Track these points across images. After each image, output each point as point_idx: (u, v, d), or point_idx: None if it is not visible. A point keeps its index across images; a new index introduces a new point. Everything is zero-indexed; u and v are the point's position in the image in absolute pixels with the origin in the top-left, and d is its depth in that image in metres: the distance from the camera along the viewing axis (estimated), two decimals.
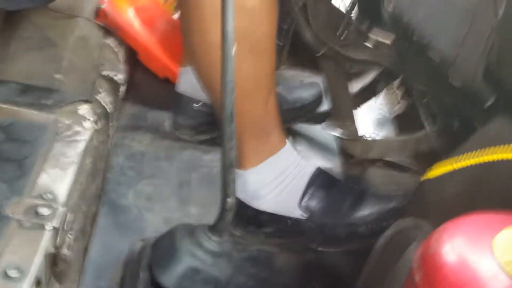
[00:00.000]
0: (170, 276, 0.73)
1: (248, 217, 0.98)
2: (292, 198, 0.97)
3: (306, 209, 0.97)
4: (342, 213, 0.97)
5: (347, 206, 0.98)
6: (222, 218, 0.73)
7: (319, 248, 1.00)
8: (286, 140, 0.97)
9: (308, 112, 1.32)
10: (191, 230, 0.76)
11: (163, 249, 0.77)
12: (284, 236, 1.01)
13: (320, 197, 0.97)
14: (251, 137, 0.92)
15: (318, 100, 1.33)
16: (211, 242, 0.74)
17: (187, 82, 1.11)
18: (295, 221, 0.97)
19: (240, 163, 0.94)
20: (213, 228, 0.74)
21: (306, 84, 1.35)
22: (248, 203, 0.97)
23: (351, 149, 1.13)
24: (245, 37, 0.77)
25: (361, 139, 1.10)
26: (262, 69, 0.84)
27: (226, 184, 0.71)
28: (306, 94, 1.31)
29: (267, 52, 0.83)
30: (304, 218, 0.97)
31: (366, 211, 0.98)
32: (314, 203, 0.97)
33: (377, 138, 1.16)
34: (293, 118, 1.30)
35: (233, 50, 0.63)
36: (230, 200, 0.72)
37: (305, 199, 0.96)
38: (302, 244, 1.01)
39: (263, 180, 0.95)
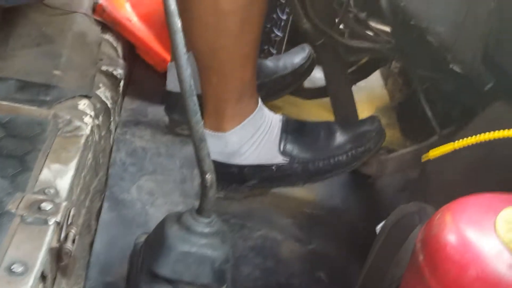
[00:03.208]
0: (163, 265, 0.73)
1: (232, 175, 1.03)
2: (271, 147, 1.03)
3: (286, 153, 1.03)
4: (320, 147, 1.04)
5: (323, 140, 1.05)
6: (205, 196, 0.71)
7: (306, 185, 1.07)
8: (259, 100, 1.03)
9: (301, 76, 1.30)
10: (178, 217, 0.75)
11: (154, 240, 0.77)
12: (268, 185, 1.08)
13: (296, 139, 1.04)
14: (235, 100, 0.98)
15: (309, 63, 1.30)
16: (199, 224, 0.73)
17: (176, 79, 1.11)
18: (279, 166, 1.03)
19: (220, 126, 1.00)
20: (199, 209, 0.73)
21: (293, 50, 1.34)
22: (231, 162, 1.02)
23: (366, 170, 1.13)
24: (245, 10, 0.90)
25: (374, 159, 1.09)
26: (255, 39, 0.95)
27: (202, 160, 0.70)
28: (295, 58, 1.31)
29: (260, 25, 0.95)
30: (286, 161, 1.03)
31: (341, 140, 1.04)
32: (292, 146, 1.03)
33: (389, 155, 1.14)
34: (284, 87, 1.29)
35: (179, 23, 0.65)
36: (209, 177, 0.70)
37: (283, 144, 1.03)
38: (288, 185, 1.07)
39: (243, 139, 1.01)
